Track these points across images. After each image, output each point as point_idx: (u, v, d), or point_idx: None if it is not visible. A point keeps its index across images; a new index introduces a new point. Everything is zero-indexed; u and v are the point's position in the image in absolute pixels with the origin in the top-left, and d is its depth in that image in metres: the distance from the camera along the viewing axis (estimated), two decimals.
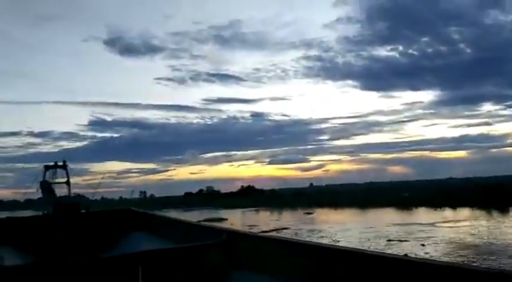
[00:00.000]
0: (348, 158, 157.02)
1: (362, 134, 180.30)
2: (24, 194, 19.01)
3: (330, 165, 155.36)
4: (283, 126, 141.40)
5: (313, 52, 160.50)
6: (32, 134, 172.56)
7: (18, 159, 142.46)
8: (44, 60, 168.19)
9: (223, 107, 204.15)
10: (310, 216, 35.86)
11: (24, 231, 10.53)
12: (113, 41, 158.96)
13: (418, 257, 12.02)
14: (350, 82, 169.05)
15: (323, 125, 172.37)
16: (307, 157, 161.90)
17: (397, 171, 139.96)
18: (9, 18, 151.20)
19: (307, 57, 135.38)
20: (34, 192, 17.23)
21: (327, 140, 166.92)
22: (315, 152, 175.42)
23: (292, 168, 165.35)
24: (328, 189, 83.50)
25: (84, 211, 13.49)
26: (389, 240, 18.87)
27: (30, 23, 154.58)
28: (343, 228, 24.65)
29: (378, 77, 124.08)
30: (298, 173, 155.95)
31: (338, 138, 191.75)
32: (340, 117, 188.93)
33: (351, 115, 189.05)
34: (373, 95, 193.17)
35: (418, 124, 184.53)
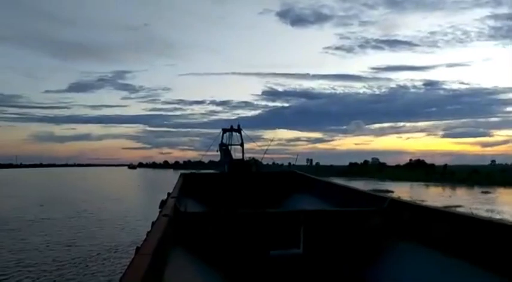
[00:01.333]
0: None
1: None
2: (206, 156, 21.57)
3: None
4: (461, 95, 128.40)
5: (502, 10, 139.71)
6: (214, 102, 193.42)
7: (203, 125, 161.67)
8: (224, 34, 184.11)
9: (392, 75, 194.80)
10: (488, 195, 32.19)
11: (203, 185, 12.07)
12: (284, 13, 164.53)
13: None
14: None
15: None
16: (490, 131, 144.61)
17: None
18: None
19: (495, 16, 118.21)
20: (215, 154, 19.48)
21: None
22: (500, 126, 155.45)
23: (469, 143, 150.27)
24: None
25: (254, 171, 14.83)
26: None
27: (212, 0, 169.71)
28: None
29: None
30: (477, 149, 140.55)
31: None
32: None
33: None
34: None
35: None
